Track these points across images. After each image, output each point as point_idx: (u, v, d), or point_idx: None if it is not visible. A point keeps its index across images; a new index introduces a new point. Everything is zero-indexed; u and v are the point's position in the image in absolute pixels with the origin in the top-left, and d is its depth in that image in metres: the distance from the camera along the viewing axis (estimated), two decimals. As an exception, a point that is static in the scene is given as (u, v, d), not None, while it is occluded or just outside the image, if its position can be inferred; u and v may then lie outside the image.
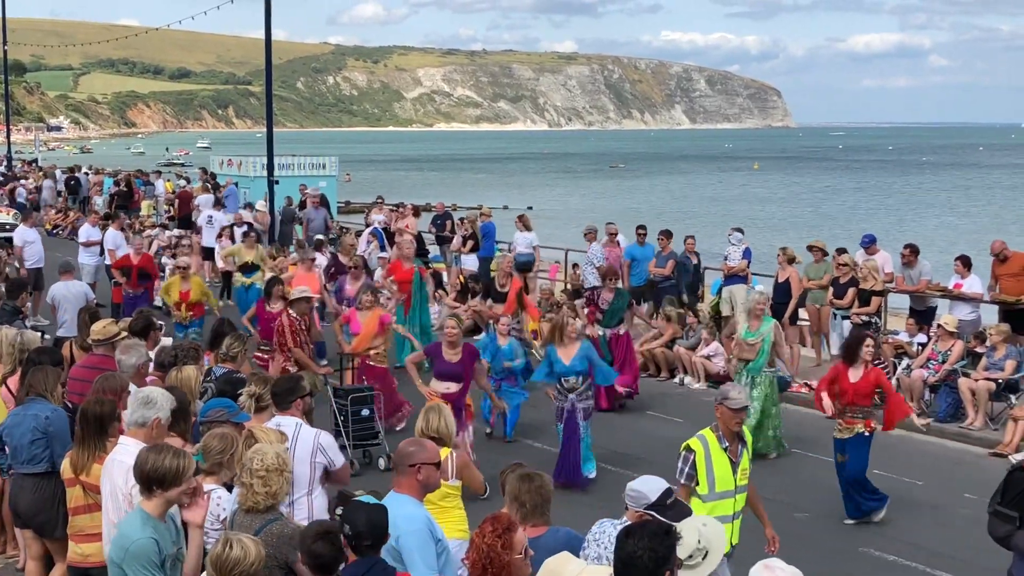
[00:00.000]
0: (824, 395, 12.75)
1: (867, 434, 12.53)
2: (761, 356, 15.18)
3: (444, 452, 8.50)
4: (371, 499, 6.63)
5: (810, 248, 21.11)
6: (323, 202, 31.54)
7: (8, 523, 10.43)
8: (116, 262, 21.86)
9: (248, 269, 22.24)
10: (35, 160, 72.54)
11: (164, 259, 27.26)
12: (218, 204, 31.71)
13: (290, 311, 14.68)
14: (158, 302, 23.38)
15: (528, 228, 26.50)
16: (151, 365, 10.59)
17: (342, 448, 13.43)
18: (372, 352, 15.66)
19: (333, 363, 15.77)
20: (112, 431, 8.15)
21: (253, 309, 17.13)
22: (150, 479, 6.51)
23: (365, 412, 14.09)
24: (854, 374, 12.59)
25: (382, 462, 13.76)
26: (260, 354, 15.97)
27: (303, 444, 8.35)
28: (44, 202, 44.58)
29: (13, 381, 10.53)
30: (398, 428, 15.11)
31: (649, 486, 6.82)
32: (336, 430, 13.84)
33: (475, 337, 21.95)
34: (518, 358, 15.60)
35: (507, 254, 23.33)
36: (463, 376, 13.12)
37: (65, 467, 8.36)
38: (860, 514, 12.70)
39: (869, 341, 12.89)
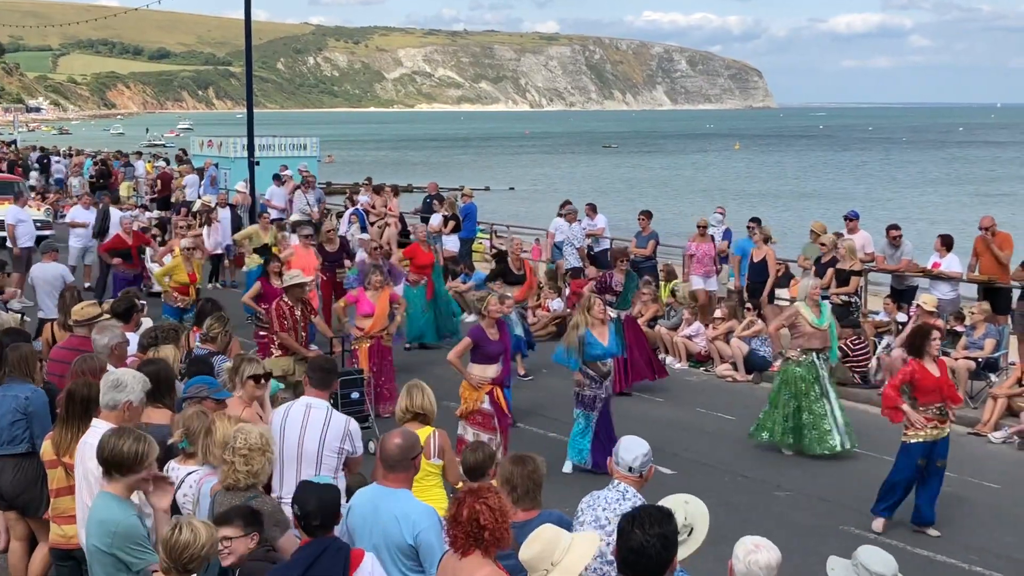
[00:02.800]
0: (906, 406, 11.53)
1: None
2: (834, 341, 14.73)
3: (428, 431, 8.49)
4: (326, 479, 6.62)
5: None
6: (275, 176, 31.57)
7: None
8: (107, 243, 21.43)
9: (265, 251, 21.79)
10: (14, 141, 72.10)
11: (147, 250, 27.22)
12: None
13: (284, 297, 14.36)
14: (156, 288, 23.37)
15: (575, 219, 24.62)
16: (133, 347, 10.55)
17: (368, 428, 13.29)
18: (384, 333, 15.54)
19: (323, 347, 15.45)
20: (94, 412, 8.10)
21: (257, 287, 16.70)
22: (108, 463, 6.50)
23: (355, 395, 13.81)
24: (933, 369, 11.61)
25: (372, 446, 13.51)
26: (263, 332, 15.72)
27: (335, 429, 8.23)
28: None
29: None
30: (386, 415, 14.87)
31: (633, 452, 7.02)
32: None
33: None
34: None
35: (517, 237, 22.97)
36: (508, 352, 13.16)
37: (46, 448, 8.29)
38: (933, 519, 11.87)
39: (936, 332, 11.91)
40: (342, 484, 8.13)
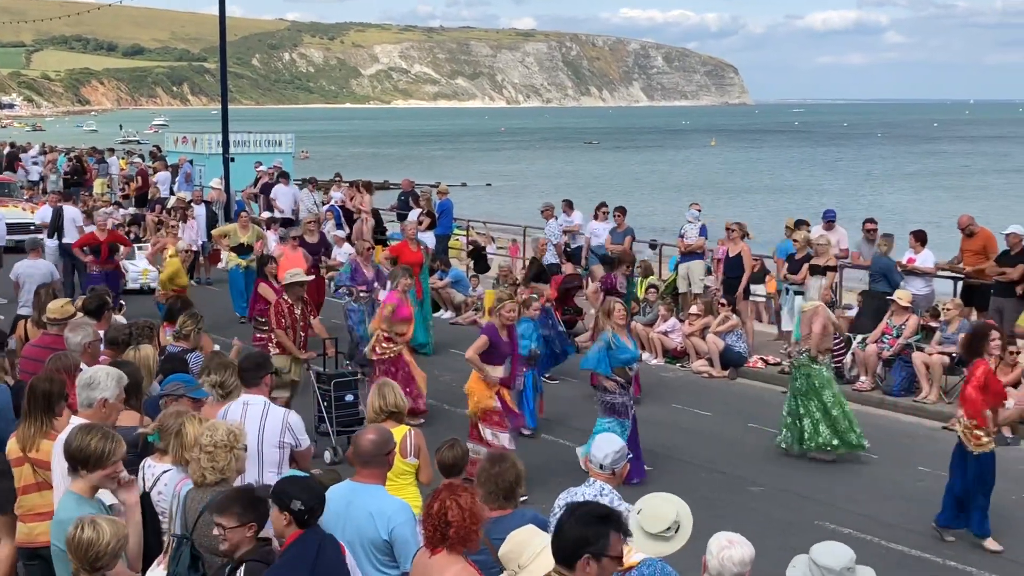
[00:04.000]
0: (989, 412, 11.05)
1: None
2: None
3: (403, 429, 8.47)
4: (299, 474, 6.63)
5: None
6: (282, 175, 31.23)
7: None
8: (80, 240, 21.12)
9: (244, 251, 21.83)
10: (-13, 139, 71.76)
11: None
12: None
13: (284, 295, 14.20)
14: (134, 284, 23.24)
15: (607, 217, 23.68)
16: (102, 343, 10.50)
17: (325, 435, 13.29)
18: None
19: (315, 347, 15.20)
20: (59, 409, 8.06)
21: (264, 288, 16.49)
22: (75, 459, 6.50)
23: (349, 397, 13.66)
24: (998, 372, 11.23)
25: None
26: (260, 335, 15.59)
27: (272, 424, 8.29)
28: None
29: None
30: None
31: (604, 450, 7.08)
32: (319, 416, 13.62)
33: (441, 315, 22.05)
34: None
35: (540, 236, 22.68)
36: (516, 354, 13.03)
37: (11, 447, 8.20)
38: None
39: (995, 333, 11.40)
40: None
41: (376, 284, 17.74)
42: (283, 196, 29.13)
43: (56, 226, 23.72)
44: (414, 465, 8.40)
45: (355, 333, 17.36)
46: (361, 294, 17.40)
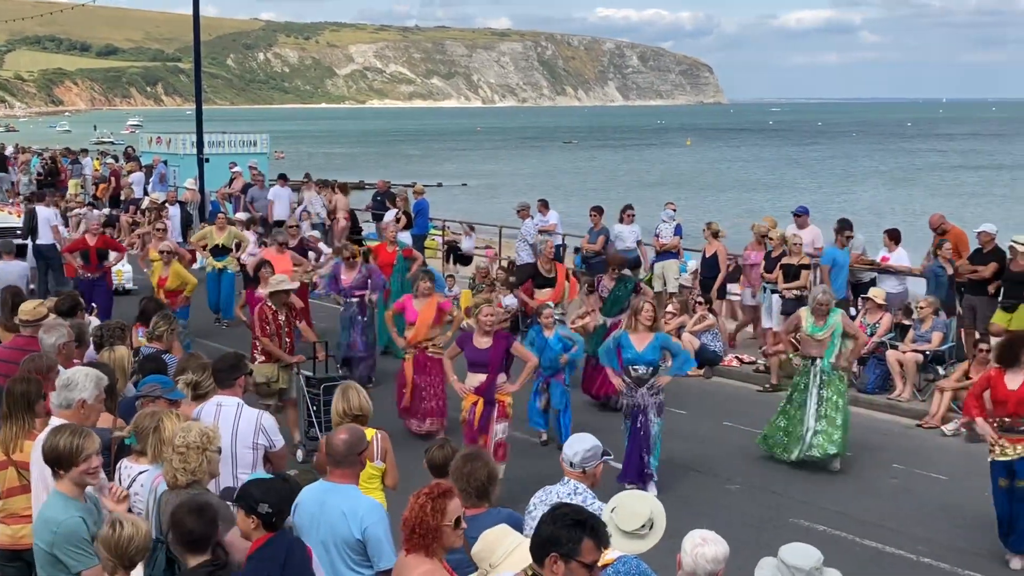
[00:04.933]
0: (978, 418, 10.79)
1: None
2: (830, 350, 13.78)
3: (371, 432, 8.45)
4: (265, 475, 6.62)
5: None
6: (281, 176, 31.00)
7: None
8: (70, 245, 20.51)
9: (220, 252, 21.66)
10: (-41, 140, 71.39)
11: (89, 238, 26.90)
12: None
13: (268, 301, 13.95)
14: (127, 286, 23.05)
15: (632, 220, 22.54)
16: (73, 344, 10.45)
17: (314, 439, 12.99)
18: (430, 344, 14.69)
19: (305, 352, 15.02)
20: (39, 409, 8.06)
21: (244, 296, 16.24)
22: (50, 461, 6.53)
23: None
24: (1013, 380, 10.63)
25: None
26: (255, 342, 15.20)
27: (246, 425, 8.31)
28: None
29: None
30: (435, 432, 14.17)
31: (574, 447, 7.13)
32: (309, 420, 13.49)
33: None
34: (575, 345, 14.33)
35: (548, 238, 22.36)
36: (493, 365, 12.51)
37: (-9, 451, 8.24)
38: None
39: None
40: None
41: (369, 286, 17.43)
42: (280, 197, 28.51)
43: (30, 227, 23.41)
44: (381, 469, 8.38)
45: (352, 339, 17.11)
46: (351, 299, 17.12)
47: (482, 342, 12.44)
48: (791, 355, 14.94)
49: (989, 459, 10.80)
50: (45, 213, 23.54)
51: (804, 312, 13.84)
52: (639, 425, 12.50)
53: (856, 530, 11.72)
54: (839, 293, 17.76)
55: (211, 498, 6.39)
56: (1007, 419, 10.57)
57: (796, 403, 13.74)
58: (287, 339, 13.82)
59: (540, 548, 5.00)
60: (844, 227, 19.27)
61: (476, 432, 12.28)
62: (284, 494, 5.87)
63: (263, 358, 13.72)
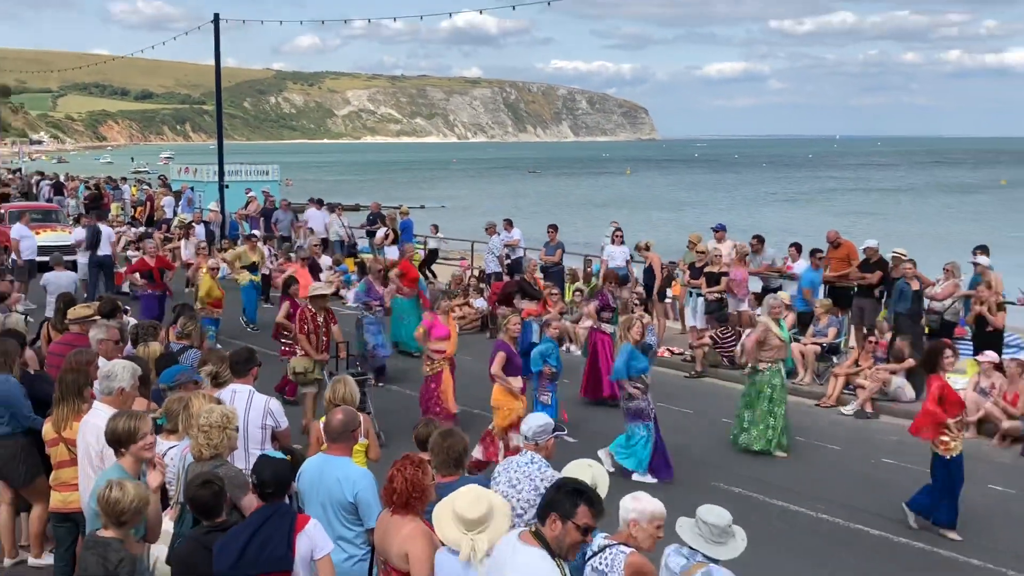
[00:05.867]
0: (950, 421, 10.14)
1: None
2: (789, 351, 13.64)
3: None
4: (277, 455, 6.58)
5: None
6: (316, 200, 30.85)
7: None
8: (132, 267, 19.93)
9: (253, 268, 21.42)
10: (19, 169, 70.80)
11: (129, 252, 26.78)
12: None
13: (309, 305, 13.67)
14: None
15: (622, 242, 21.65)
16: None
17: None
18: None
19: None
20: (86, 395, 8.09)
21: (286, 306, 15.50)
22: (112, 442, 6.55)
23: None
24: (954, 384, 10.41)
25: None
26: (285, 344, 15.05)
27: (256, 408, 8.28)
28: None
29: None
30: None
31: (530, 424, 7.16)
32: None
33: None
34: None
35: (532, 259, 22.01)
36: (522, 368, 12.21)
37: (47, 430, 8.22)
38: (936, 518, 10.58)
39: (948, 351, 10.52)
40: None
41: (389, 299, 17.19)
42: (315, 219, 28.42)
43: (93, 242, 23.41)
44: (365, 444, 8.38)
45: (368, 341, 16.64)
46: (376, 307, 16.78)
47: (515, 348, 12.05)
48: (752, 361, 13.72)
49: (947, 457, 10.22)
50: (106, 231, 23.70)
51: (767, 320, 13.23)
52: (657, 426, 12.11)
53: (766, 492, 11.77)
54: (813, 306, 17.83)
55: (225, 470, 6.35)
56: (960, 418, 10.28)
57: (766, 399, 13.16)
58: (324, 338, 13.51)
59: (543, 510, 5.03)
60: (815, 251, 18.71)
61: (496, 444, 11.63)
62: (277, 472, 5.73)
63: (302, 352, 13.47)
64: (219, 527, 5.70)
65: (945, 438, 10.18)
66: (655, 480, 11.82)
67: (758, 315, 14.05)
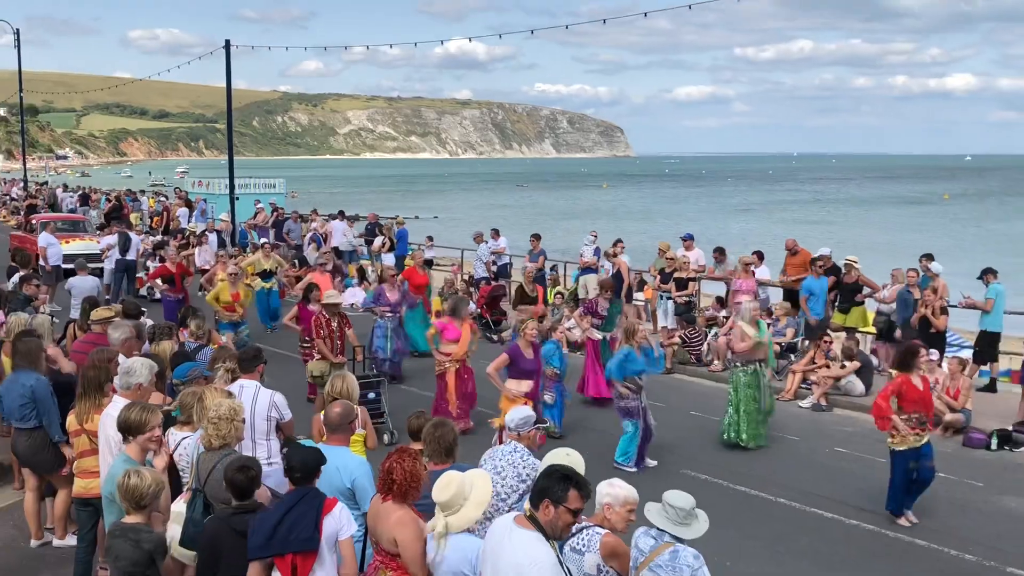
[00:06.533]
0: (894, 417, 9.95)
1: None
2: (771, 349, 13.34)
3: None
4: (310, 443, 6.57)
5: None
6: (340, 213, 30.76)
7: (15, 464, 10.42)
8: (154, 272, 19.60)
9: (266, 275, 21.24)
10: (45, 182, 70.59)
11: (149, 263, 26.68)
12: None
13: (323, 311, 13.47)
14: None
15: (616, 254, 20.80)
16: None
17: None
18: (467, 357, 13.51)
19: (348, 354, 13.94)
20: (106, 390, 8.10)
21: (295, 310, 15.38)
22: (122, 429, 6.61)
23: (372, 395, 12.58)
24: (918, 383, 10.08)
25: (386, 437, 12.29)
26: (303, 346, 14.76)
27: (262, 402, 8.26)
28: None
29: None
30: (468, 431, 12.91)
31: (513, 416, 7.18)
32: None
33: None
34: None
35: (527, 265, 21.87)
36: (538, 372, 11.90)
37: (71, 422, 8.26)
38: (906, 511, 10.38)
39: (923, 352, 10.29)
40: (276, 444, 8.20)
41: (404, 305, 16.88)
42: (338, 230, 28.27)
43: (124, 247, 23.42)
44: (362, 435, 8.36)
45: (376, 344, 16.30)
46: (387, 314, 16.43)
47: (528, 353, 11.74)
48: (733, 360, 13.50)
49: (895, 449, 10.09)
50: (135, 238, 24.11)
51: (745, 325, 12.89)
52: (647, 423, 11.93)
53: (730, 477, 11.79)
54: (819, 315, 17.21)
55: (233, 459, 6.35)
56: (916, 415, 10.01)
57: (749, 397, 12.88)
58: (338, 341, 13.24)
59: (537, 496, 5.01)
60: (816, 259, 18.06)
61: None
62: (307, 460, 5.67)
63: (318, 356, 13.20)
64: (242, 509, 5.69)
65: (895, 431, 10.04)
66: (636, 469, 11.75)
67: (736, 320, 13.76)
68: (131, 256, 23.47)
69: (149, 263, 25.52)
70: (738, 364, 13.01)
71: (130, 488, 5.82)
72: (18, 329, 10.57)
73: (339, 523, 5.59)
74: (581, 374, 15.79)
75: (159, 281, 18.76)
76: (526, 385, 11.63)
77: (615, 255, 20.52)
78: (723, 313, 19.04)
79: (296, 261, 26.50)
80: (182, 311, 12.96)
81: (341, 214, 30.32)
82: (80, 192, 48.40)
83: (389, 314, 16.51)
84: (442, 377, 13.30)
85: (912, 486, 10.24)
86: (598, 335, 15.77)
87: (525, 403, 10.86)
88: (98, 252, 24.92)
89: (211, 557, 5.56)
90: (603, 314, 16.24)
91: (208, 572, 5.57)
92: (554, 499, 4.95)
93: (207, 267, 25.40)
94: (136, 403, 6.81)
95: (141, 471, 5.94)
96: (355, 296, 23.45)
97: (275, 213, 31.24)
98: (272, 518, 5.47)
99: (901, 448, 10.06)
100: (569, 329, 19.46)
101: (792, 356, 17.15)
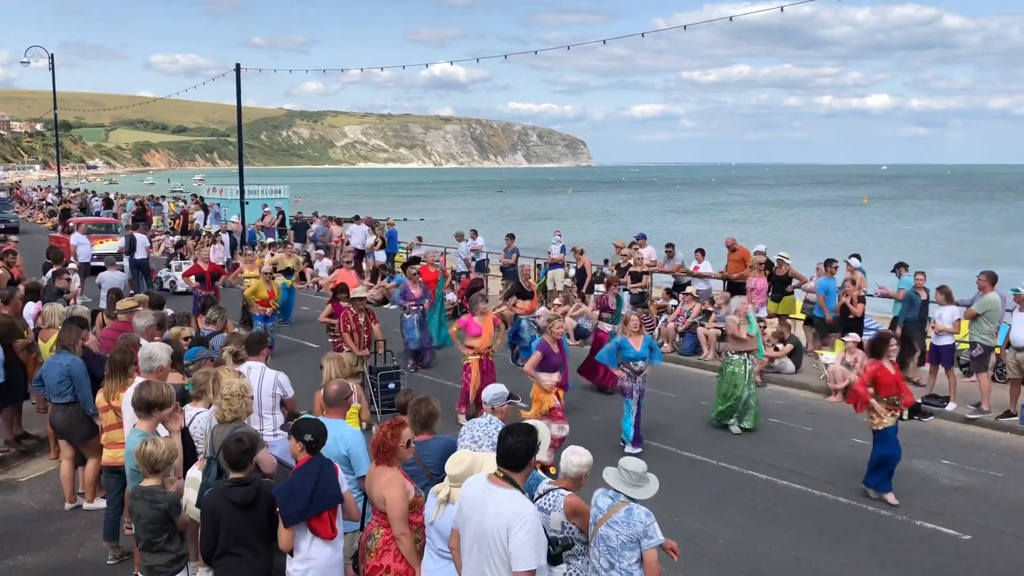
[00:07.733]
0: (874, 401, 9.66)
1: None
2: (760, 341, 13.00)
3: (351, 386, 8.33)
4: (311, 416, 6.53)
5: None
6: (356, 217, 30.29)
7: (52, 436, 10.40)
8: (189, 270, 18.89)
9: (289, 273, 20.97)
10: (77, 189, 69.83)
11: (172, 262, 26.44)
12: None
13: (350, 306, 13.12)
14: (182, 288, 22.33)
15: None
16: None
17: (373, 414, 11.91)
18: (490, 350, 12.76)
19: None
20: (131, 371, 8.08)
21: (330, 307, 14.73)
22: (149, 404, 6.59)
23: (391, 386, 12.32)
24: (889, 367, 9.77)
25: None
26: (333, 339, 14.15)
27: (267, 380, 8.20)
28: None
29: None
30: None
31: (489, 392, 7.17)
32: (370, 398, 12.07)
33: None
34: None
35: (525, 264, 21.50)
36: (565, 365, 11.46)
37: (100, 399, 8.25)
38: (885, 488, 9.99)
39: (893, 340, 10.01)
40: (280, 418, 8.14)
41: (426, 299, 16.37)
42: (356, 233, 27.51)
43: (131, 248, 23.18)
44: (357, 408, 8.34)
45: (406, 337, 15.87)
46: (412, 308, 15.96)
47: (555, 348, 11.31)
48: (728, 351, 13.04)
49: (876, 429, 9.77)
50: (141, 239, 23.59)
51: (735, 320, 12.61)
52: (641, 406, 11.65)
53: (680, 446, 11.82)
54: (835, 313, 16.38)
55: (244, 430, 6.30)
56: (890, 397, 9.71)
57: (737, 384, 12.51)
58: (365, 335, 12.85)
59: (524, 456, 4.90)
60: (829, 261, 17.07)
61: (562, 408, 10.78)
62: (321, 430, 5.69)
63: (346, 349, 12.58)
64: (240, 482, 5.63)
65: (873, 413, 9.74)
66: (638, 449, 11.43)
67: (728, 316, 13.52)
68: (139, 255, 22.94)
69: (172, 262, 25.26)
70: (730, 353, 12.74)
71: (146, 454, 5.84)
72: (52, 319, 10.54)
73: (343, 480, 5.70)
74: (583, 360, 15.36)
75: (192, 279, 18.45)
76: (556, 376, 11.20)
77: (582, 252, 20.57)
78: (672, 303, 19.11)
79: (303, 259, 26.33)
80: (203, 301, 12.93)
81: (356, 218, 29.99)
82: (104, 197, 47.87)
83: (414, 308, 16.09)
84: (467, 368, 12.73)
85: (890, 462, 9.87)
86: (607, 328, 15.45)
87: (557, 392, 10.76)
88: (116, 252, 24.62)
89: (211, 525, 5.55)
90: (613, 308, 16.09)
91: (210, 539, 5.57)
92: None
93: (220, 263, 25.22)
94: (152, 383, 6.76)
95: (156, 439, 5.97)
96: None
97: (297, 217, 31.02)
98: (307, 483, 5.45)
99: (881, 428, 9.75)
100: (538, 316, 19.51)
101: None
